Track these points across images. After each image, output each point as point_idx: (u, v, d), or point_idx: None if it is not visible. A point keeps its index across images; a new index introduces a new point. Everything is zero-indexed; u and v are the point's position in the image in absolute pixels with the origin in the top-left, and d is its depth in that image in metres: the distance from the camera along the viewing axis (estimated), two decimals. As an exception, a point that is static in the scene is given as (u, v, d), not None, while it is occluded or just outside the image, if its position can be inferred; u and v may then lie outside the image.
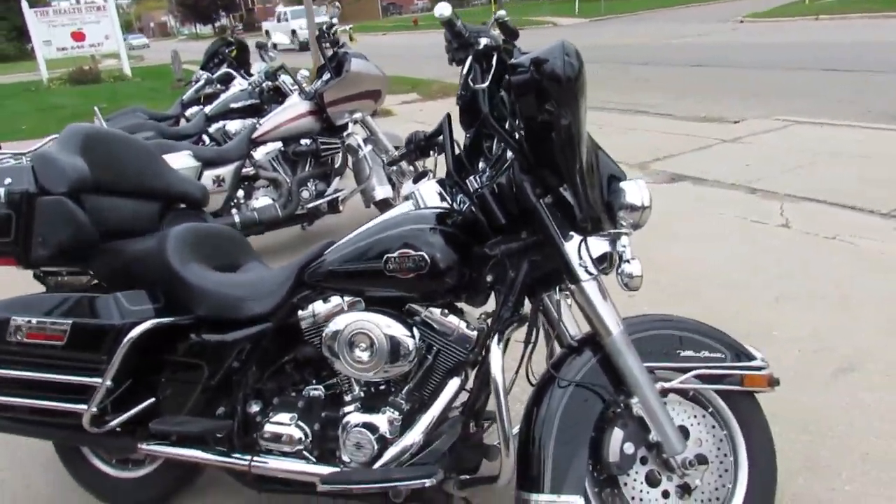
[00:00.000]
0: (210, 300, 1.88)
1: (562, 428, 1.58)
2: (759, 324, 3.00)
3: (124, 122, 5.40)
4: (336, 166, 4.59)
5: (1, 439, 2.27)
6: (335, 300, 1.79)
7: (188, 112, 5.93)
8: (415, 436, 1.70)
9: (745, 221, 4.35)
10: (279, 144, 4.36)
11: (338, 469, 1.75)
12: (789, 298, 3.25)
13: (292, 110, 4.39)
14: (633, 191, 1.56)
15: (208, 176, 4.06)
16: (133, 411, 1.87)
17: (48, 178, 1.88)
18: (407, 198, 1.87)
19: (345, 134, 4.45)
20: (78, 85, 17.65)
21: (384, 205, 4.30)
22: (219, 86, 6.00)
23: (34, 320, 1.86)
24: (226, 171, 4.15)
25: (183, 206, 2.36)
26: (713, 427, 1.67)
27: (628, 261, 1.54)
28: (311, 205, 4.37)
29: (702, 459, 1.63)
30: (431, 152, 2.00)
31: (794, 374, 2.58)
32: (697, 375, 1.64)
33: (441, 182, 1.90)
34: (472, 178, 1.72)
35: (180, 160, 3.86)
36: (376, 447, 1.72)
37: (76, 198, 1.89)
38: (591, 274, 1.59)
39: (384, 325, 1.69)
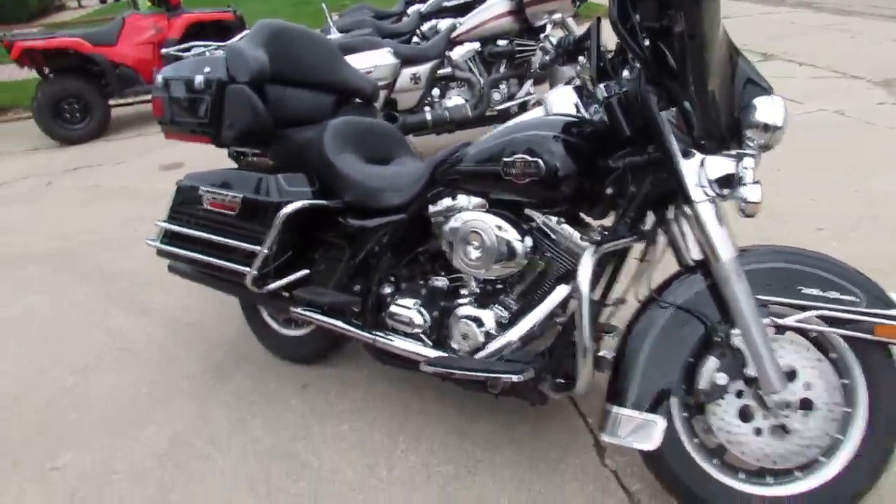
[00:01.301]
0: (356, 188, 2.07)
1: (654, 347, 1.57)
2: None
3: (350, 19, 5.77)
4: (532, 69, 4.53)
5: (206, 292, 2.73)
6: (462, 199, 1.88)
7: (410, 10, 6.15)
8: (516, 333, 1.78)
9: None
10: (477, 45, 4.37)
11: (445, 354, 1.91)
12: None
13: (492, 10, 4.37)
14: (766, 108, 1.43)
15: (406, 73, 4.23)
16: (287, 279, 2.16)
17: (235, 68, 2.15)
18: (539, 103, 1.86)
19: (542, 35, 4.35)
20: (330, -19, 18.93)
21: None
22: (436, -16, 6.10)
23: (216, 191, 2.20)
24: (422, 69, 4.30)
25: (359, 100, 2.56)
26: (830, 374, 1.53)
27: (747, 184, 1.42)
28: (500, 106, 4.40)
29: (806, 404, 1.52)
30: (581, 57, 1.96)
31: None
32: (820, 316, 1.50)
33: (578, 89, 1.86)
34: (602, 85, 1.67)
35: (380, 57, 4.07)
36: (480, 339, 1.84)
37: (258, 87, 2.15)
38: (707, 195, 1.50)
39: (497, 227, 1.75)
